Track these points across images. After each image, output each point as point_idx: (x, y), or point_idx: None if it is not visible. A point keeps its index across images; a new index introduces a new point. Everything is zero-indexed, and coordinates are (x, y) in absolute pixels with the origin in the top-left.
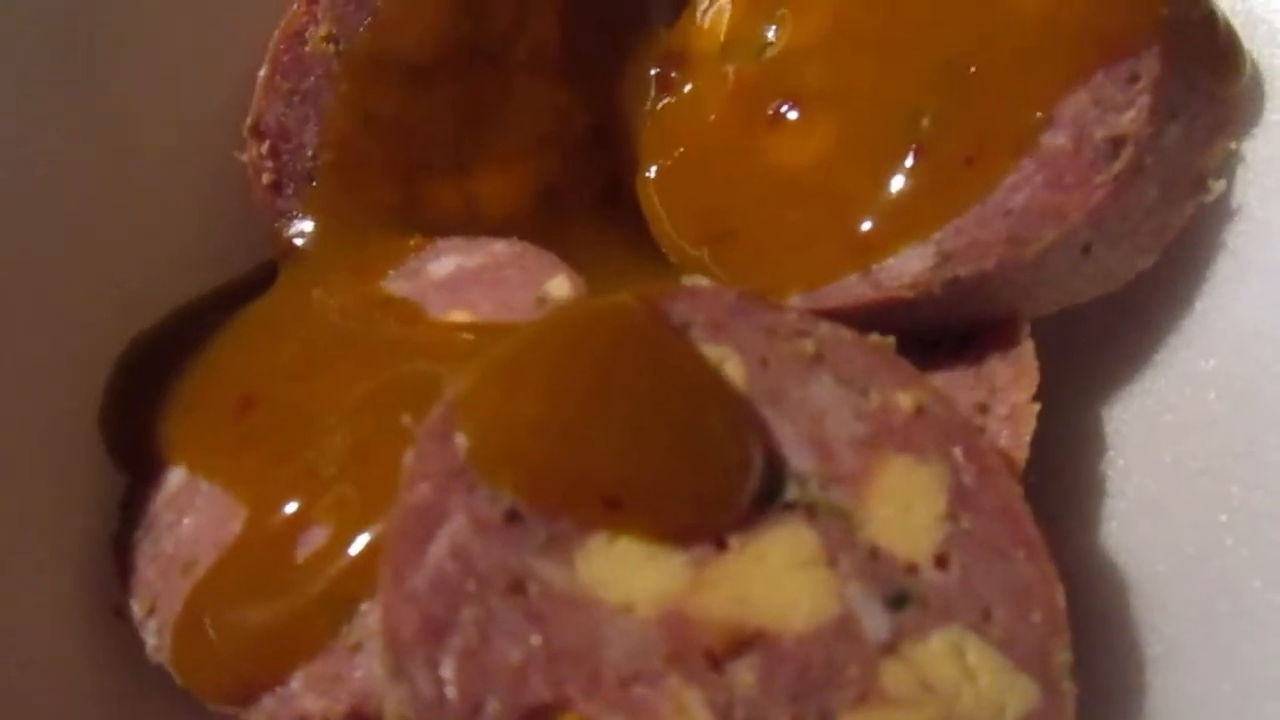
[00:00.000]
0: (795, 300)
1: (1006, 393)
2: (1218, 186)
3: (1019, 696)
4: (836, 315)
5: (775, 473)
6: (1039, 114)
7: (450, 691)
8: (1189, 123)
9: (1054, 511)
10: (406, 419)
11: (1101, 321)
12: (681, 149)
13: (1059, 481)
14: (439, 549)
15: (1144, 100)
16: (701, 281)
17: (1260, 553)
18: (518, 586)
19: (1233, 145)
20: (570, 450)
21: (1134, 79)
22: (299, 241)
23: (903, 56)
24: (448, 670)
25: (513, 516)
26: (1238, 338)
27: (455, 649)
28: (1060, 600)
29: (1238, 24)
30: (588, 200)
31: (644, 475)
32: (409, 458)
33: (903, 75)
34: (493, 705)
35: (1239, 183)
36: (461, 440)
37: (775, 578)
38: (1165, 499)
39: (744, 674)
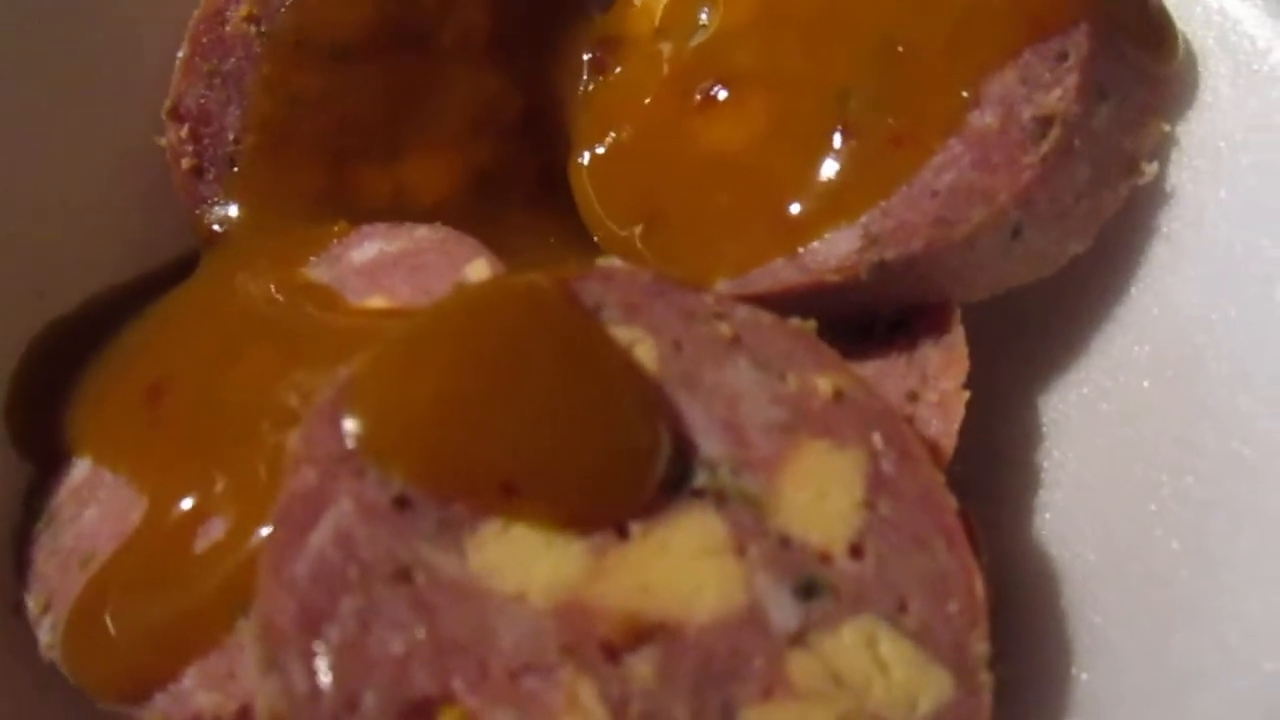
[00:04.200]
0: (723, 285)
1: (937, 380)
2: (1151, 169)
3: (933, 688)
4: (764, 300)
5: (684, 459)
6: (966, 93)
7: (325, 684)
8: (1120, 103)
9: (988, 500)
10: (296, 398)
11: (1036, 308)
12: (614, 133)
13: (994, 470)
14: (321, 536)
15: (1072, 79)
16: (617, 263)
17: (1189, 543)
18: (404, 575)
19: (1166, 127)
20: (465, 432)
21: (1062, 57)
22: (220, 228)
23: (832, 37)
24: (323, 662)
25: (402, 502)
26: (1172, 324)
27: (333, 640)
28: (979, 590)
29: (1170, 3)
30: (521, 186)
31: (542, 460)
32: (295, 440)
33: (831, 56)
34: (370, 699)
35: (1173, 165)
36: (351, 423)
37: (679, 566)
38: (1100, 489)
39: (642, 666)
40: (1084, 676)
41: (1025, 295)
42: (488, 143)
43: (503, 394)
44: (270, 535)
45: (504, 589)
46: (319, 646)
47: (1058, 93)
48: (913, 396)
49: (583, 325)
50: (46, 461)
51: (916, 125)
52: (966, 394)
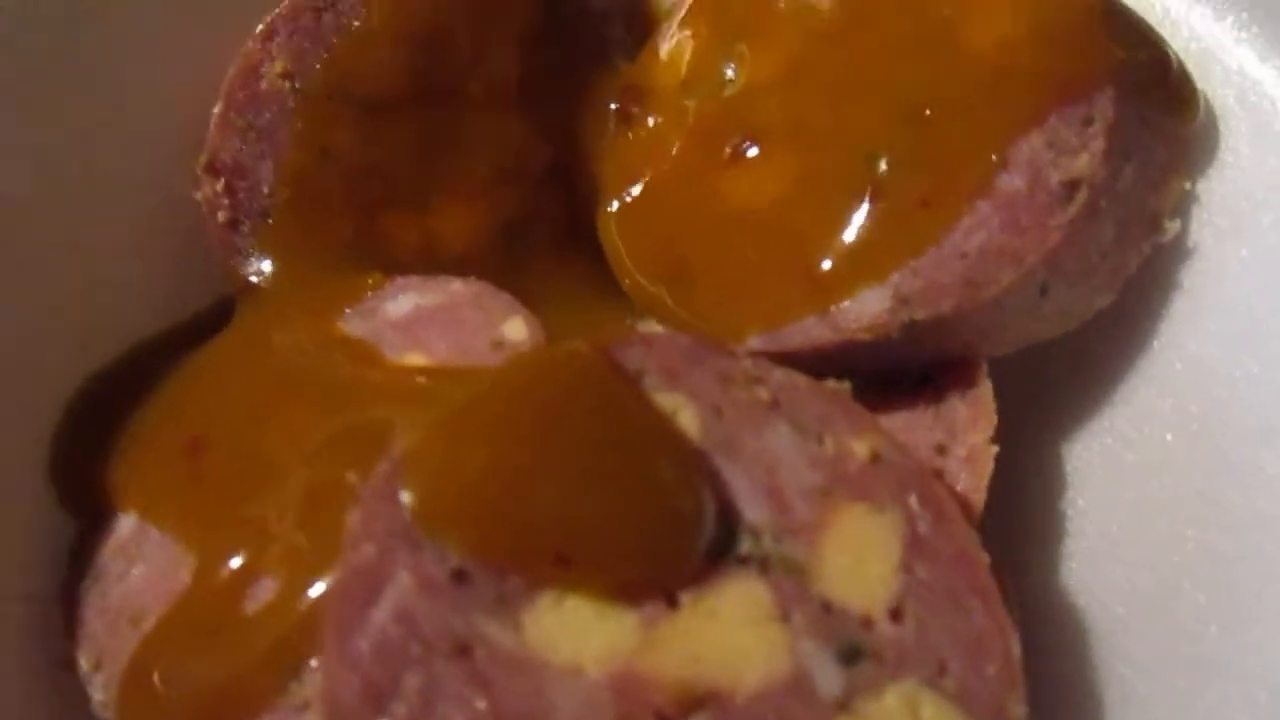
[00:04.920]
0: (754, 341)
1: (965, 434)
2: (1173, 226)
3: None
4: (795, 357)
5: (728, 526)
6: (993, 157)
7: None
8: (1143, 163)
9: (1014, 552)
10: (353, 473)
11: (1061, 360)
12: (641, 185)
13: (1019, 521)
14: (382, 612)
15: (1098, 143)
16: (655, 327)
17: (1215, 598)
18: (463, 649)
19: (1187, 185)
20: (518, 506)
21: (1088, 121)
22: (255, 279)
23: (860, 97)
24: None
25: (460, 576)
26: (1194, 377)
27: (398, 716)
28: (1016, 652)
29: (1191, 64)
30: (547, 236)
31: (594, 531)
32: (353, 517)
33: (859, 116)
34: None
35: (1194, 222)
36: (407, 497)
37: (727, 635)
38: (1125, 540)
39: None
40: None
41: (1049, 348)
42: (515, 192)
43: (554, 465)
44: (332, 611)
45: (560, 661)
46: None
47: (1084, 157)
48: (941, 450)
49: (628, 394)
50: (91, 516)
51: (945, 187)
52: (995, 448)
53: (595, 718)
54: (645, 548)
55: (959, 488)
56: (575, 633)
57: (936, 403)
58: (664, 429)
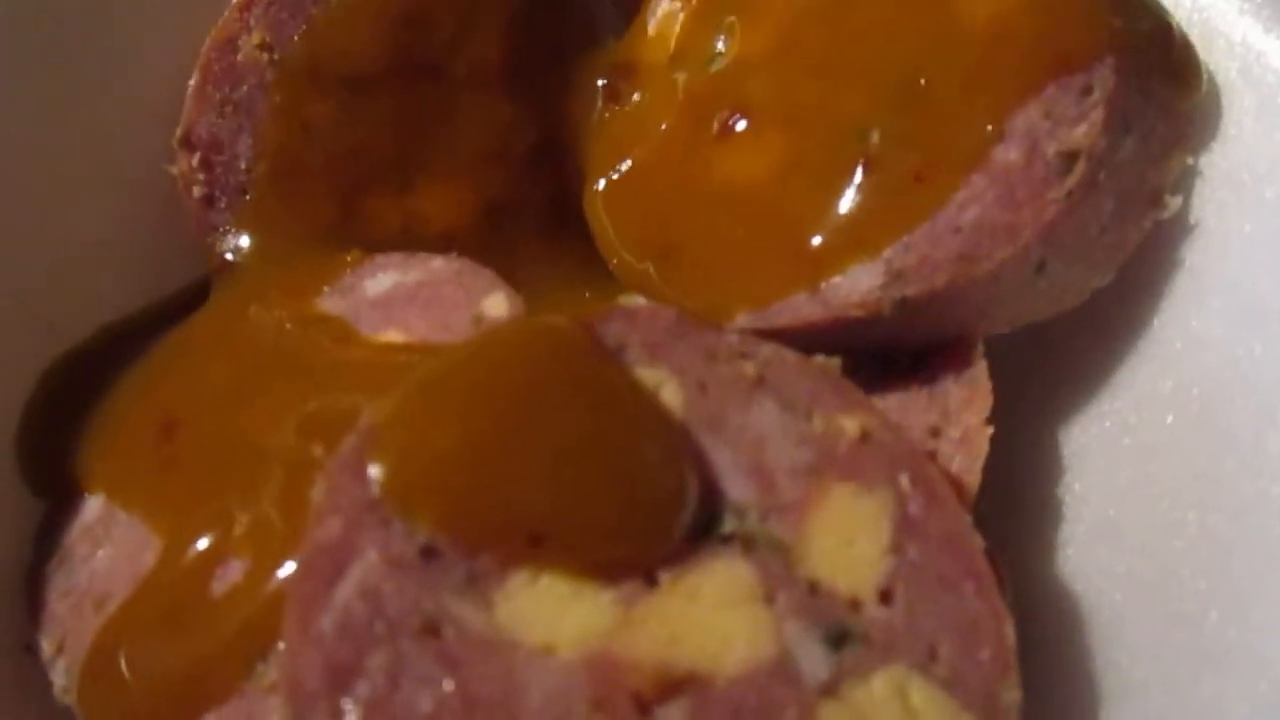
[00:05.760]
0: (743, 319)
1: (960, 415)
2: (1174, 202)
3: None
4: (785, 334)
5: (712, 504)
6: (989, 128)
7: None
8: (1144, 136)
9: (1009, 536)
10: (320, 447)
11: (1058, 341)
12: (628, 161)
13: (1015, 506)
14: (347, 589)
15: (1097, 114)
16: (639, 301)
17: (1216, 583)
18: (432, 629)
19: (1189, 160)
20: (492, 480)
21: (1087, 91)
22: (232, 257)
23: (852, 69)
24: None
25: (429, 553)
26: (1196, 358)
27: (361, 697)
28: (1010, 637)
29: (1194, 36)
30: (534, 216)
31: (569, 508)
32: (319, 491)
33: (852, 89)
34: None
35: (1196, 198)
36: (376, 471)
37: (708, 616)
38: (1123, 524)
39: (674, 718)
40: (1111, 717)
41: (1047, 328)
42: (500, 171)
43: (529, 440)
44: (295, 588)
45: (532, 641)
46: (347, 704)
47: (1083, 128)
48: (935, 431)
49: (608, 368)
50: (58, 498)
51: (939, 160)
52: (990, 429)
53: (569, 700)
54: (623, 526)
55: (953, 469)
56: (549, 613)
57: (931, 384)
58: (645, 404)
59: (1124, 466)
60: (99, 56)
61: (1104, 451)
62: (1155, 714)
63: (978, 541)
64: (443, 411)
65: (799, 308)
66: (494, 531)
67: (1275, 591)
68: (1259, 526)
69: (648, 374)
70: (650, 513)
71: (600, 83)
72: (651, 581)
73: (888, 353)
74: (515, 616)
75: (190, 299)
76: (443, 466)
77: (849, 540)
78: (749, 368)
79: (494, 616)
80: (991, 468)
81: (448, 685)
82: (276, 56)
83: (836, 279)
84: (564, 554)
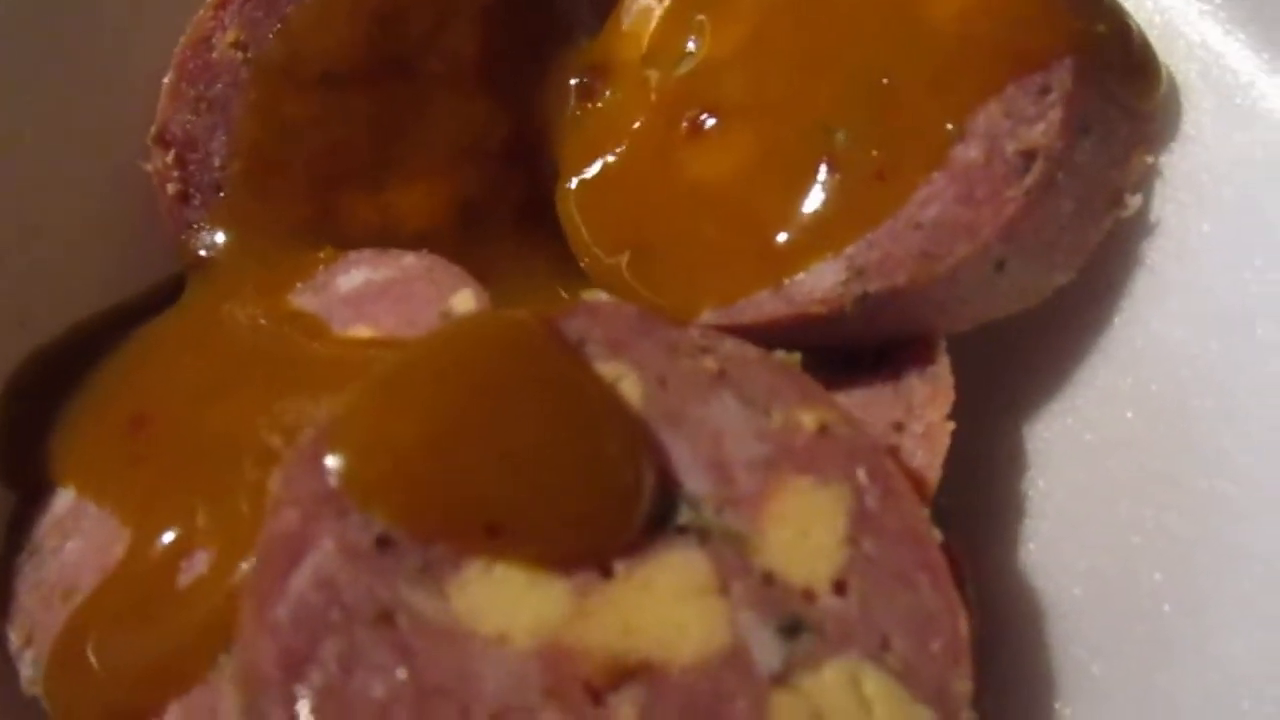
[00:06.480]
0: (708, 315)
1: (923, 411)
2: (1135, 202)
3: None
4: (750, 331)
5: (668, 496)
6: (950, 126)
7: None
8: (1104, 136)
9: (972, 532)
10: (278, 438)
11: (1021, 338)
12: (601, 160)
13: (978, 501)
14: (303, 578)
15: (1055, 113)
16: (603, 297)
17: (1173, 579)
18: (386, 617)
19: (1150, 160)
20: (448, 472)
21: (1046, 91)
22: (206, 254)
23: (818, 70)
24: (305, 707)
25: (384, 543)
26: (1155, 356)
27: (315, 684)
28: (963, 629)
29: (1154, 37)
30: (507, 214)
31: (526, 499)
32: (276, 482)
33: (818, 88)
34: None
35: (1156, 198)
36: (333, 463)
37: (663, 606)
38: (1084, 521)
39: (625, 707)
40: (1067, 711)
41: (1009, 325)
42: (474, 169)
43: (486, 432)
44: (252, 577)
45: (487, 631)
46: (300, 690)
47: (1041, 127)
48: (898, 427)
49: (567, 362)
50: (29, 491)
51: (901, 159)
52: (952, 425)
53: (521, 689)
54: (579, 518)
55: (915, 464)
56: (503, 602)
57: (894, 380)
58: (603, 397)
59: (1085, 463)
60: (74, 55)
61: (1065, 448)
62: (1112, 706)
63: (934, 535)
64: (401, 403)
65: (763, 304)
66: (450, 521)
67: (1229, 586)
68: (1215, 525)
69: (608, 368)
70: (607, 504)
71: (574, 81)
72: (607, 572)
73: (851, 349)
74: (470, 606)
75: (164, 295)
76: (400, 457)
77: (804, 532)
78: (710, 362)
79: (449, 605)
80: (954, 463)
81: (401, 673)
82: (251, 54)
83: (800, 276)
84: (520, 544)
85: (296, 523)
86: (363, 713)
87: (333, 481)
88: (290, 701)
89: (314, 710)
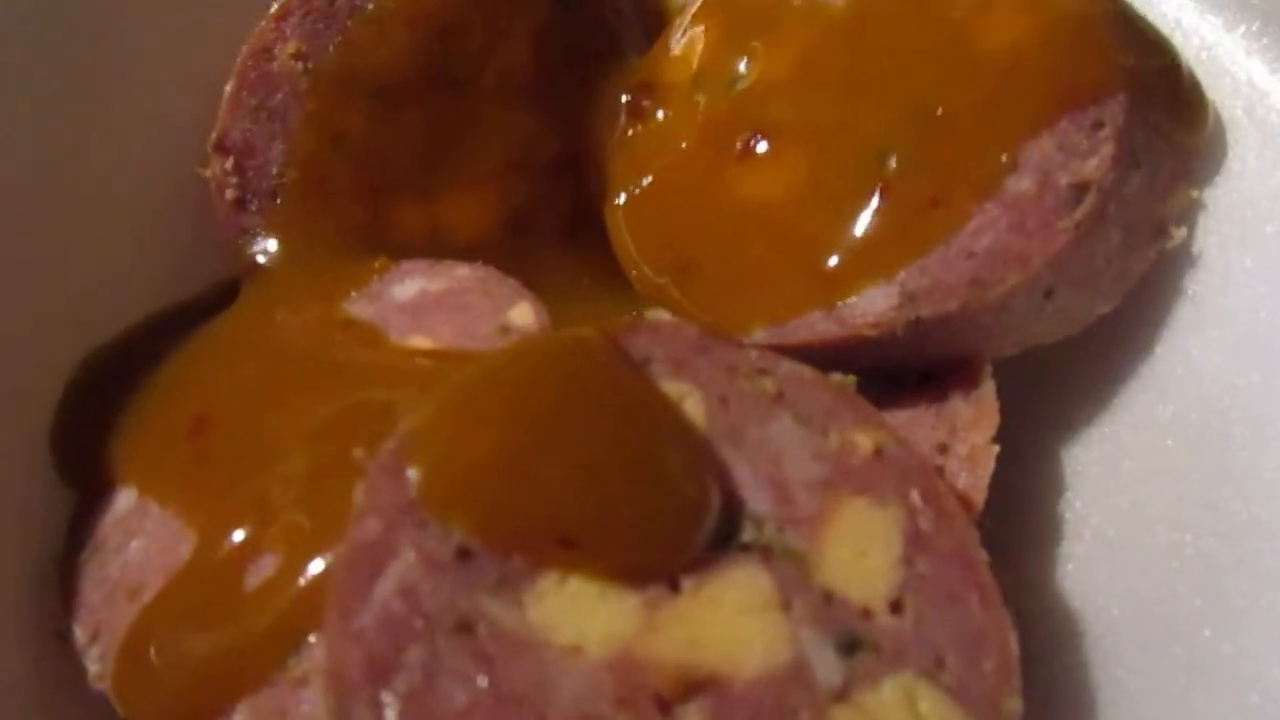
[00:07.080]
0: (759, 335)
1: (967, 433)
2: (1179, 234)
3: None
4: (800, 351)
5: (732, 514)
6: (1004, 158)
7: None
8: (1152, 170)
9: (1011, 553)
10: (360, 449)
11: (1063, 364)
12: (650, 177)
13: (1017, 523)
14: (386, 587)
15: (1108, 148)
16: (664, 316)
17: (1211, 602)
18: (466, 627)
19: (1195, 193)
20: (524, 487)
21: (1098, 126)
22: (261, 259)
23: (872, 96)
24: (391, 712)
25: (464, 554)
26: (1196, 385)
27: (400, 690)
28: (1013, 648)
29: (1201, 75)
30: (555, 227)
31: (599, 514)
32: (359, 492)
33: (871, 114)
34: None
35: (1200, 231)
36: (413, 475)
37: (728, 621)
38: (1122, 544)
39: (693, 718)
40: None
41: (1053, 351)
42: (524, 182)
43: (559, 448)
44: (335, 585)
45: (561, 641)
46: (387, 697)
47: (1094, 161)
48: (942, 448)
49: (635, 380)
50: (90, 489)
51: (954, 188)
52: (996, 448)
53: (595, 698)
54: (649, 533)
55: (959, 486)
56: (577, 614)
57: (939, 402)
58: (670, 416)
59: (1123, 488)
60: (137, 63)
61: (1104, 472)
62: None
63: (983, 556)
64: (478, 418)
65: (814, 325)
66: (526, 534)
67: (1266, 610)
68: (1254, 549)
69: (672, 387)
70: (674, 521)
71: (624, 99)
72: (674, 587)
73: (897, 371)
74: (545, 617)
75: (219, 299)
76: (478, 471)
77: (862, 552)
78: (769, 384)
79: (525, 616)
80: (996, 485)
81: (482, 681)
82: (310, 66)
83: (852, 299)
84: (592, 558)
85: (379, 532)
86: (445, 718)
87: (413, 492)
88: (377, 707)
89: (401, 716)
